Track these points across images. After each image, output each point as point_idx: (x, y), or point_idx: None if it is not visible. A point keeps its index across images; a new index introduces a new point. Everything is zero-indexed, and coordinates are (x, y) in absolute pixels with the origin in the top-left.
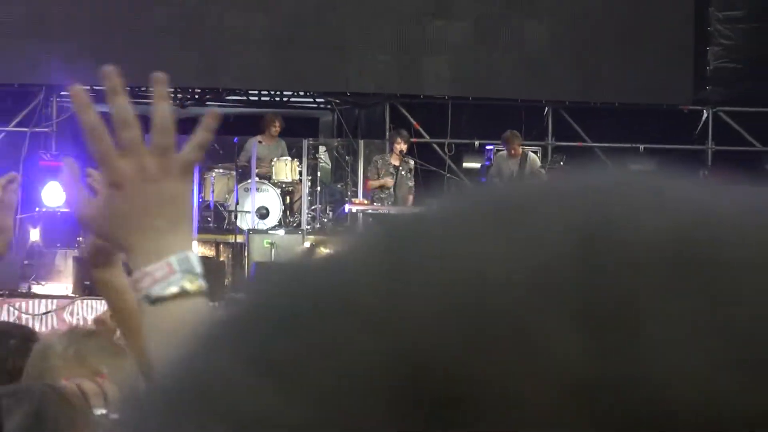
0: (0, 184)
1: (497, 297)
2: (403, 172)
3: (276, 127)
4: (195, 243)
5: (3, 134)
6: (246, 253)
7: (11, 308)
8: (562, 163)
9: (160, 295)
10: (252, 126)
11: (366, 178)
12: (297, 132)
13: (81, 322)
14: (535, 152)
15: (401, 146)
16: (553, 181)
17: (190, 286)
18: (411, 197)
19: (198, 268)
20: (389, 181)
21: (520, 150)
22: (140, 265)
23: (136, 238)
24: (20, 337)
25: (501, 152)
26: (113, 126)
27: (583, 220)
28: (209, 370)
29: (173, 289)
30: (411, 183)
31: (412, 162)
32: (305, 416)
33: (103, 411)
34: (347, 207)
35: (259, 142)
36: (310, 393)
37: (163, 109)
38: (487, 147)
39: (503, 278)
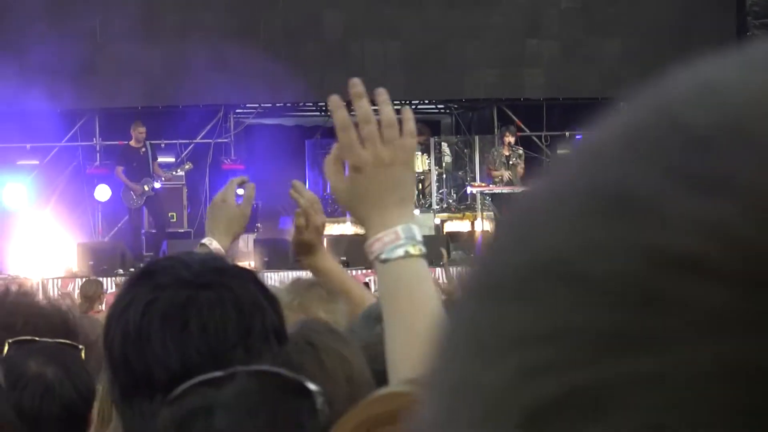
0: (235, 183)
1: None
2: (513, 159)
3: (424, 136)
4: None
5: (192, 145)
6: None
7: None
8: None
9: (388, 257)
10: None
11: (487, 168)
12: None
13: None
14: None
15: (509, 138)
16: None
17: (412, 250)
18: (521, 173)
19: (419, 236)
20: (505, 174)
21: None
22: (373, 234)
23: (371, 212)
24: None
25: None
26: (358, 123)
27: None
28: (629, 180)
29: (399, 252)
30: (521, 168)
31: (521, 149)
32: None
33: None
34: (468, 189)
35: None
36: (766, 208)
37: (388, 110)
38: (577, 137)
39: None
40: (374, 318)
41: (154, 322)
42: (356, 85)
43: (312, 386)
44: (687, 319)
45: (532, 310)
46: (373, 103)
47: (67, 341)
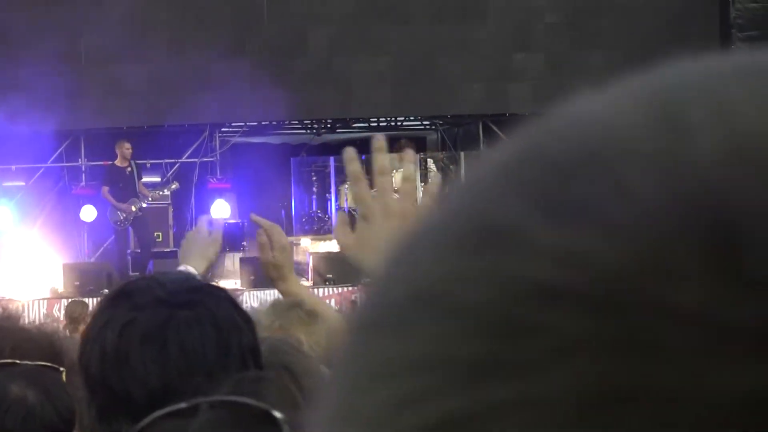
0: (205, 219)
1: None
2: None
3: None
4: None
5: (177, 165)
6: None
7: None
8: None
9: None
10: None
11: None
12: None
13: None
14: None
15: None
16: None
17: None
18: None
19: None
20: None
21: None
22: None
23: (374, 259)
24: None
25: None
26: (371, 173)
27: None
28: (495, 211)
29: None
30: None
31: None
32: (623, 256)
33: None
34: None
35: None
36: (621, 233)
37: (409, 167)
38: None
39: None
40: None
41: (132, 343)
42: (379, 140)
43: (278, 414)
44: (547, 346)
45: (405, 341)
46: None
47: (48, 364)
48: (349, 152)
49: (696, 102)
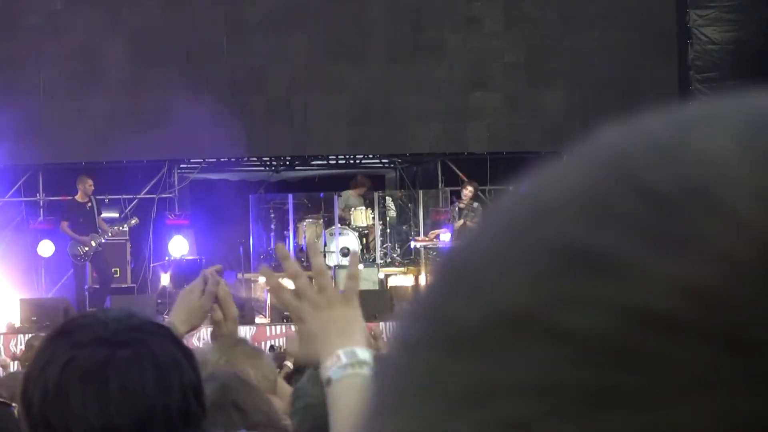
0: (206, 272)
1: None
2: (466, 212)
3: (365, 188)
4: None
5: (136, 201)
6: (334, 284)
7: None
8: None
9: (333, 379)
10: (333, 183)
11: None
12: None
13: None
14: None
15: (467, 191)
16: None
17: (356, 369)
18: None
19: (363, 356)
20: (458, 224)
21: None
22: (325, 363)
23: (320, 350)
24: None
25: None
26: (289, 279)
27: None
28: (589, 238)
29: (343, 373)
30: (472, 222)
31: (476, 204)
32: (748, 292)
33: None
34: (412, 243)
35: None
36: (743, 268)
37: (317, 260)
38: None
39: None
40: (323, 380)
41: (72, 382)
42: (281, 249)
43: None
44: (673, 379)
45: (505, 364)
46: None
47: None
48: (267, 272)
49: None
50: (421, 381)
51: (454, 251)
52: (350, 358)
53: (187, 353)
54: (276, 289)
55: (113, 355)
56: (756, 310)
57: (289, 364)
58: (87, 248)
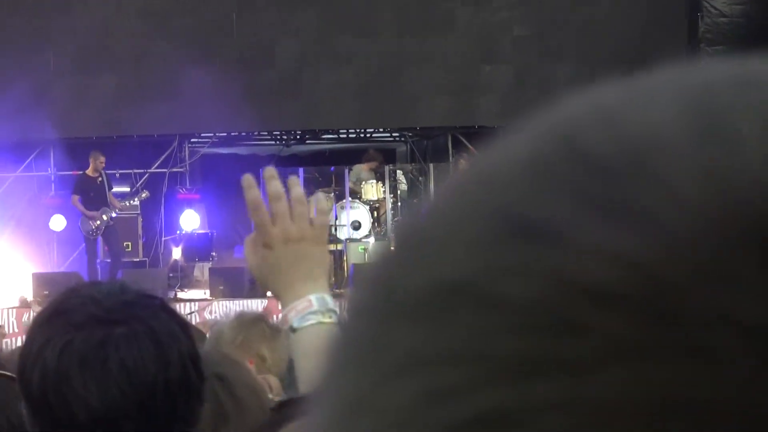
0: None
1: None
2: None
3: (377, 162)
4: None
5: (147, 175)
6: (345, 258)
7: None
8: None
9: (300, 325)
10: (344, 157)
11: None
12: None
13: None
14: None
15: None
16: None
17: (325, 318)
18: None
19: (332, 305)
20: None
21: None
22: (287, 304)
23: (283, 286)
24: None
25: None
26: (268, 200)
27: None
28: (530, 206)
29: (311, 320)
30: None
31: None
32: (681, 264)
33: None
34: None
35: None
36: (677, 241)
37: (297, 189)
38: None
39: None
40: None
41: (72, 363)
42: (269, 170)
43: None
44: (601, 348)
45: (437, 332)
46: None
47: (1, 372)
48: (248, 179)
49: (741, 110)
50: (361, 349)
51: (409, 220)
52: (321, 306)
53: (182, 323)
54: (254, 203)
55: (110, 333)
56: (687, 284)
57: None
58: (98, 222)
